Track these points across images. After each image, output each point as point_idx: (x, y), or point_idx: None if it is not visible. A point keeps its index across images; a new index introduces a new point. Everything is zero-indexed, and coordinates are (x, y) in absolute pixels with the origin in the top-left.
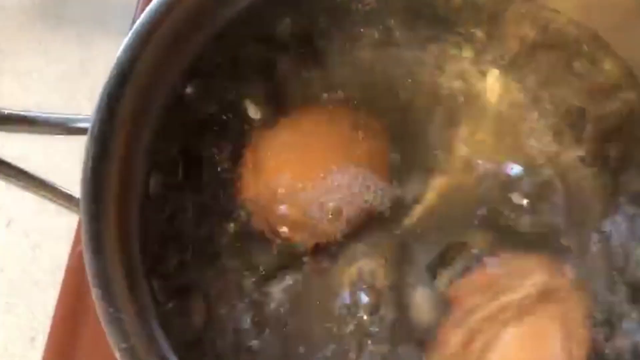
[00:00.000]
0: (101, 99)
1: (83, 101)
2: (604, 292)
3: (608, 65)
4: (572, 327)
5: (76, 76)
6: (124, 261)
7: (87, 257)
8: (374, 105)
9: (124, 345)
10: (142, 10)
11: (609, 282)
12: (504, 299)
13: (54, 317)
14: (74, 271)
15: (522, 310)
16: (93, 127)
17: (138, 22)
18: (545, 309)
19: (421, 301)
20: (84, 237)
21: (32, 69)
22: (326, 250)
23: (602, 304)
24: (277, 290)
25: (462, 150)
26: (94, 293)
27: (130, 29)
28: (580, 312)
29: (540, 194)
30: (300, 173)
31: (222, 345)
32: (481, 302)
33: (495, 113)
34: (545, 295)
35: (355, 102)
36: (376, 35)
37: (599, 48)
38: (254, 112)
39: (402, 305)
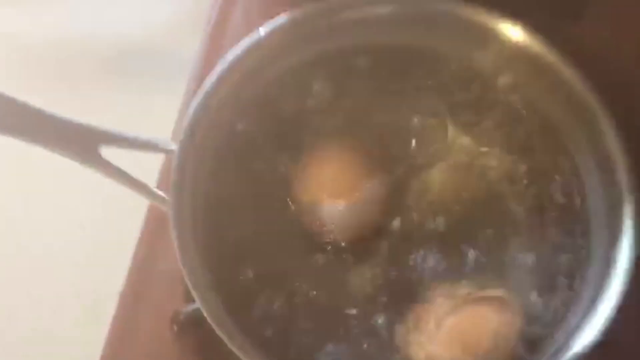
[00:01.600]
0: (185, 129)
1: None
2: None
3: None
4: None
5: (138, 119)
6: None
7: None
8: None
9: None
10: (199, 66)
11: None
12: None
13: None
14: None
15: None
16: (178, 150)
17: (207, 82)
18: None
19: None
20: (172, 225)
21: (101, 110)
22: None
23: None
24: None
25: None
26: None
27: (188, 83)
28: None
29: None
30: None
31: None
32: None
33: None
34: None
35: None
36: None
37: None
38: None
39: None
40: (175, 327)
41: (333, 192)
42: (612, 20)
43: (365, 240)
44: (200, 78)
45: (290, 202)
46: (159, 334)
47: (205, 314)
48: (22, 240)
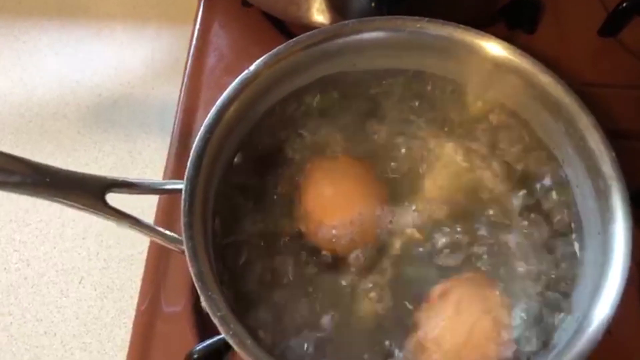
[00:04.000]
0: (189, 167)
1: None
2: None
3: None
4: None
5: (126, 165)
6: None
7: (192, 269)
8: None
9: (219, 314)
10: (181, 112)
11: None
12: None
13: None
14: (144, 313)
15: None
16: (185, 190)
17: (206, 120)
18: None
19: None
20: (189, 261)
21: (90, 161)
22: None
23: None
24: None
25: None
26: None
27: (173, 127)
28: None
29: None
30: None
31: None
32: None
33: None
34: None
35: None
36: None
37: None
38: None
39: None
40: None
41: (334, 209)
42: (560, 31)
43: (366, 252)
44: (184, 121)
45: (295, 224)
46: None
47: (233, 344)
48: (24, 302)
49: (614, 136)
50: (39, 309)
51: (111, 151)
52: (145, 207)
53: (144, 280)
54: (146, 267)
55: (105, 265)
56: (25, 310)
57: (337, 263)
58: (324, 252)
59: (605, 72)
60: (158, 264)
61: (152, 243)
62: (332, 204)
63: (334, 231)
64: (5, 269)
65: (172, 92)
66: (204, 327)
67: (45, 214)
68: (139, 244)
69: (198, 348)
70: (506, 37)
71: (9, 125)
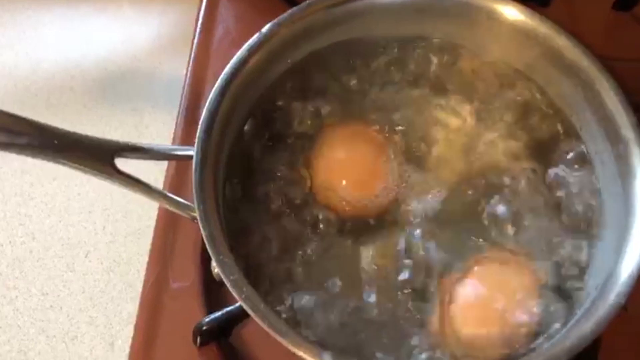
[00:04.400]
0: (200, 129)
1: None
2: None
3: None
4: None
5: (133, 139)
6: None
7: (204, 232)
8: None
9: (232, 278)
10: (188, 85)
11: None
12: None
13: (137, 322)
14: (152, 286)
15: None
16: (196, 154)
17: (217, 84)
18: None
19: None
20: (201, 225)
21: (96, 135)
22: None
23: None
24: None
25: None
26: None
27: (179, 101)
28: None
29: None
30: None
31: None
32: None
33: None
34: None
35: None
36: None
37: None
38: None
39: None
40: (198, 340)
41: (346, 174)
42: (574, 4)
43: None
44: (192, 93)
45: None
46: (181, 348)
47: (246, 308)
48: (30, 275)
49: None
50: (44, 282)
51: (118, 125)
52: (151, 180)
53: (151, 253)
54: (154, 240)
55: (111, 239)
56: (31, 284)
57: (349, 227)
58: (335, 216)
59: (619, 46)
60: (166, 238)
61: (159, 217)
62: (344, 167)
63: (346, 195)
64: (10, 242)
65: (179, 67)
66: (212, 302)
67: (50, 188)
68: (146, 218)
69: (207, 320)
70: None
71: (14, 98)
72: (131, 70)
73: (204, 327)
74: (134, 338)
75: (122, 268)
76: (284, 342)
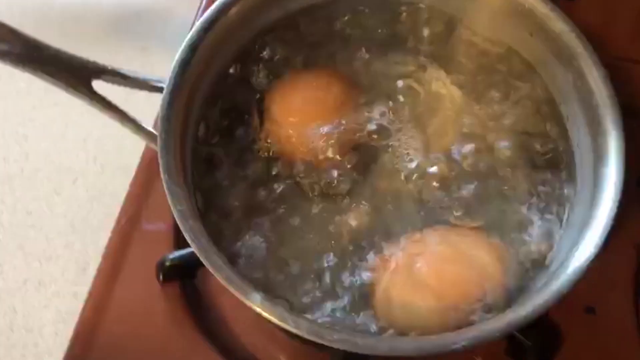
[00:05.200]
0: (175, 65)
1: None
2: None
3: None
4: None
5: None
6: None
7: (161, 160)
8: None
9: (179, 207)
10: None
11: None
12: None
13: (106, 251)
14: (126, 222)
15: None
16: (168, 84)
17: (202, 18)
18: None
19: None
20: (159, 153)
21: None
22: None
23: None
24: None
25: None
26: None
27: None
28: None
29: None
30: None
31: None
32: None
33: None
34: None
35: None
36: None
37: None
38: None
39: None
40: (160, 275)
41: (311, 114)
42: (604, 4)
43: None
44: None
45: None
46: (146, 283)
47: (187, 238)
48: (17, 192)
49: None
50: (30, 202)
51: (124, 61)
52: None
53: (130, 187)
54: (135, 175)
55: (100, 170)
56: (17, 201)
57: (302, 169)
58: (296, 166)
59: None
60: (147, 175)
61: (144, 155)
62: (303, 112)
63: (305, 142)
64: (4, 159)
65: (193, 12)
66: (181, 243)
67: (50, 112)
68: (137, 155)
69: (170, 257)
70: None
71: (29, 24)
72: (146, 9)
73: (167, 264)
74: (100, 265)
75: (106, 199)
76: (218, 276)
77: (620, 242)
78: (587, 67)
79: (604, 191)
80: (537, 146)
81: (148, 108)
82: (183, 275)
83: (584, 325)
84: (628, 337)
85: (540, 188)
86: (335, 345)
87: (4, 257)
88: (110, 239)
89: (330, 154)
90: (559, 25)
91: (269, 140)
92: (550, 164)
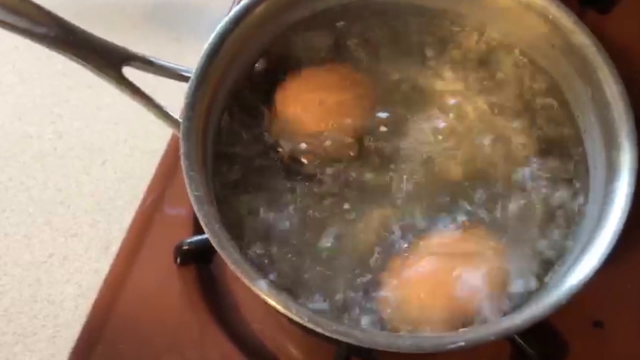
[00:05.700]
0: (203, 55)
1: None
2: None
3: None
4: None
5: None
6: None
7: (182, 146)
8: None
9: (196, 193)
10: None
11: None
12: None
13: (128, 232)
14: (146, 209)
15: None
16: (194, 73)
17: (231, 13)
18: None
19: None
20: (181, 139)
21: None
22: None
23: None
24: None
25: None
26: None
27: None
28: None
29: None
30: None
31: None
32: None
33: None
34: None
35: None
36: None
37: None
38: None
39: None
40: (178, 258)
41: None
42: (637, 17)
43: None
44: None
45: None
46: (163, 264)
47: (202, 222)
48: (49, 170)
49: None
50: (60, 179)
51: (157, 49)
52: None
53: (157, 171)
54: (161, 160)
55: (130, 153)
56: (48, 179)
57: (315, 172)
58: (305, 162)
59: None
60: (172, 161)
61: (170, 143)
62: (321, 109)
63: (323, 138)
64: (39, 136)
65: (227, 6)
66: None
67: (84, 94)
68: (165, 141)
69: (188, 241)
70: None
71: (69, 10)
72: (182, 2)
73: (185, 247)
74: (121, 246)
75: (133, 181)
76: (227, 261)
77: (631, 256)
78: (605, 81)
79: (614, 203)
80: (553, 157)
81: (177, 98)
82: (199, 260)
83: (591, 338)
84: (636, 353)
85: (553, 199)
86: (335, 336)
87: (33, 231)
88: (134, 220)
89: (348, 150)
90: (580, 38)
91: (287, 134)
92: (564, 176)
